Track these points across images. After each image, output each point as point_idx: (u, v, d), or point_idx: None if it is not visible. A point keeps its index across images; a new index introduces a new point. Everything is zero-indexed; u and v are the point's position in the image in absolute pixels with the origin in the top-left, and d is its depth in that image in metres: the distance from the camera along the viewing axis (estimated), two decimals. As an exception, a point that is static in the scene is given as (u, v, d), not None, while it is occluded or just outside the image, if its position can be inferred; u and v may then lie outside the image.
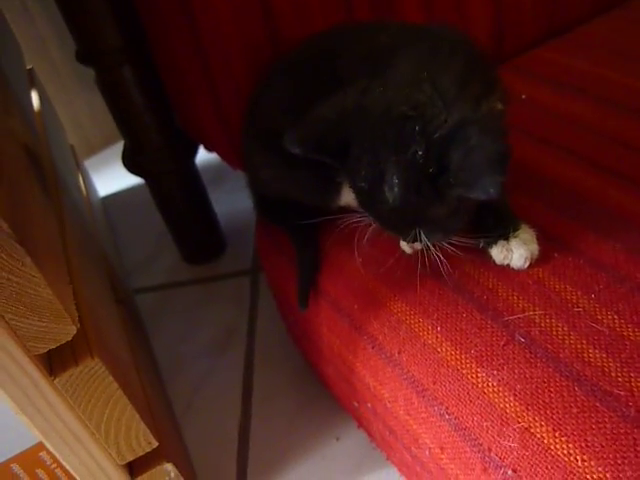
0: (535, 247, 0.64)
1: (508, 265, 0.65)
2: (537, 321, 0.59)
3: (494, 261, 0.65)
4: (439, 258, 0.63)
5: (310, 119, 0.62)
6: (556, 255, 0.65)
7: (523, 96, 0.91)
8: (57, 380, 0.61)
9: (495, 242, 0.65)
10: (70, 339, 0.59)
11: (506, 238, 0.64)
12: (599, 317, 0.58)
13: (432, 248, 0.62)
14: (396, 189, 0.57)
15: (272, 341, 1.06)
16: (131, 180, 1.42)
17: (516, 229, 0.65)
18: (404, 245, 0.69)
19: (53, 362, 0.62)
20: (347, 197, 0.76)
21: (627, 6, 1.12)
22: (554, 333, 0.58)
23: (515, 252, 0.64)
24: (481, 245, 0.66)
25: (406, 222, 0.60)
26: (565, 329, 0.58)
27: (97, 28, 0.94)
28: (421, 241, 0.61)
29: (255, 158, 0.84)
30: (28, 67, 1.23)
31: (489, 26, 1.04)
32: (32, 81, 1.19)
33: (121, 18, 0.94)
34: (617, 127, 0.81)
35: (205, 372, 1.05)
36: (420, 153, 0.55)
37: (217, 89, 0.92)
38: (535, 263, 0.65)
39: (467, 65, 0.61)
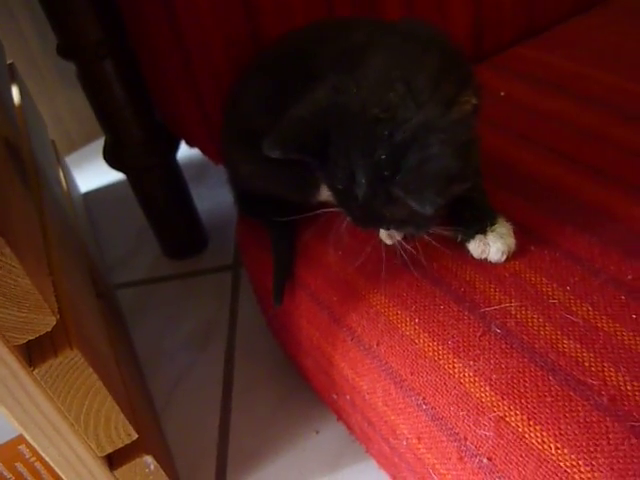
0: (512, 241, 0.65)
1: (486, 259, 0.66)
2: (513, 313, 0.60)
3: (472, 255, 0.66)
4: (417, 249, 0.65)
5: (287, 121, 0.63)
6: (532, 248, 0.66)
7: (502, 93, 0.92)
8: (36, 371, 0.61)
9: (472, 236, 0.66)
10: (49, 330, 0.59)
11: (483, 232, 0.65)
12: (574, 309, 0.59)
13: (407, 239, 0.64)
14: (362, 190, 0.58)
15: (253, 335, 1.07)
16: (112, 176, 1.42)
17: (493, 223, 0.66)
18: (383, 235, 0.70)
19: (32, 353, 0.62)
20: (326, 193, 0.76)
21: (606, 4, 1.14)
22: (529, 324, 0.59)
23: (492, 246, 0.65)
24: (459, 239, 0.67)
25: (375, 219, 0.62)
26: (540, 320, 0.59)
27: (78, 22, 0.93)
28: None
29: (234, 154, 0.84)
30: (8, 62, 1.22)
31: (469, 25, 1.05)
32: (13, 76, 1.18)
33: (102, 11, 0.94)
34: (596, 124, 0.82)
35: (186, 366, 1.05)
36: (383, 157, 0.56)
37: (198, 84, 0.92)
38: (512, 256, 0.66)
39: (442, 62, 0.61)
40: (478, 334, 0.60)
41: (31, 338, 0.58)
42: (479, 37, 1.06)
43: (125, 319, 1.15)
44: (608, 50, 1.00)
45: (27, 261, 0.59)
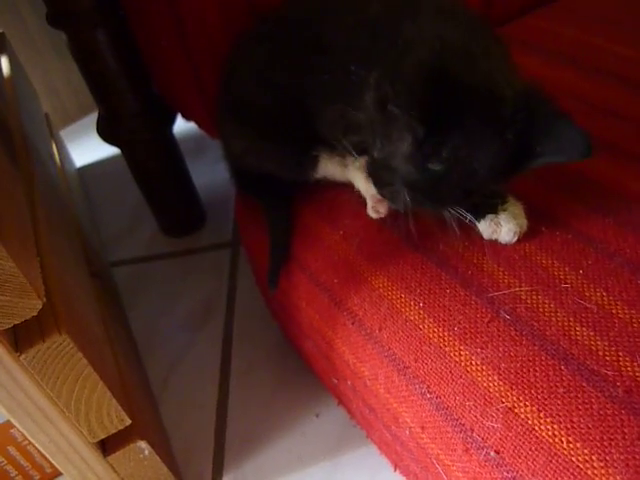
0: (524, 221, 0.62)
1: (496, 240, 0.63)
2: (523, 297, 0.57)
3: (482, 236, 0.63)
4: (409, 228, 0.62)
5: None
6: (544, 229, 0.63)
7: (511, 65, 0.89)
8: (23, 356, 0.59)
9: (483, 216, 0.62)
10: (36, 314, 0.56)
11: (494, 212, 0.62)
12: (587, 294, 0.56)
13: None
14: (479, 170, 0.56)
15: (251, 315, 1.04)
16: (109, 150, 1.38)
17: (504, 202, 0.63)
18: (370, 209, 0.67)
19: (19, 338, 0.60)
20: (324, 170, 0.73)
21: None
22: (540, 310, 0.56)
23: (504, 226, 0.62)
24: (468, 219, 0.63)
25: (457, 201, 0.59)
26: (552, 306, 0.56)
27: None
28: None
29: (228, 129, 0.80)
30: (-1, 32, 1.18)
31: (477, -7, 1.01)
32: (3, 46, 1.14)
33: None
34: (609, 97, 0.79)
35: (183, 346, 1.02)
36: (509, 137, 0.55)
37: (194, 56, 0.88)
38: (522, 238, 0.63)
39: (486, 29, 0.59)
40: (486, 320, 0.57)
41: (16, 322, 0.56)
42: (488, 5, 1.02)
43: (121, 298, 1.13)
44: (620, 20, 0.95)
45: (11, 242, 0.56)
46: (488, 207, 0.62)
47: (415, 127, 0.54)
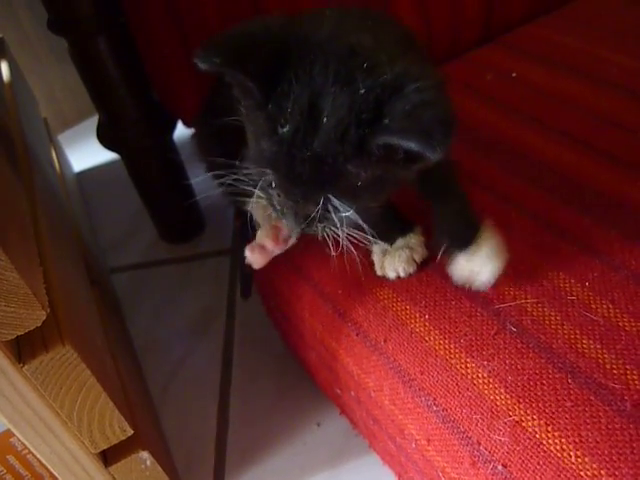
0: (501, 258, 0.58)
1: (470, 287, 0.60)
2: (529, 310, 0.57)
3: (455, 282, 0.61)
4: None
5: (232, 32, 0.52)
6: (548, 240, 0.63)
7: (514, 74, 0.89)
8: (26, 367, 0.58)
9: (457, 256, 0.60)
10: (39, 325, 0.56)
11: (468, 250, 0.59)
12: (593, 306, 0.56)
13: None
14: (325, 124, 0.48)
15: (252, 323, 1.04)
16: (107, 155, 1.37)
17: (479, 238, 0.59)
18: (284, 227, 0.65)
19: (22, 348, 0.59)
20: None
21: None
22: (547, 322, 0.56)
23: (481, 267, 0.58)
24: (440, 255, 0.61)
25: (318, 181, 0.50)
26: (558, 318, 0.56)
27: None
28: (320, 222, 0.54)
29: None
30: (-2, 37, 1.18)
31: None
32: (2, 51, 1.14)
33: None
34: (611, 108, 0.79)
35: (183, 355, 1.02)
36: (362, 92, 0.47)
37: (196, 65, 0.88)
38: (527, 249, 0.63)
39: (406, 37, 0.57)
40: (492, 332, 0.57)
41: (20, 334, 0.56)
42: (489, 13, 1.02)
43: (120, 305, 1.12)
44: (622, 30, 0.96)
45: (15, 252, 0.55)
46: (461, 244, 0.59)
47: (252, 89, 0.50)
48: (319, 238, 0.56)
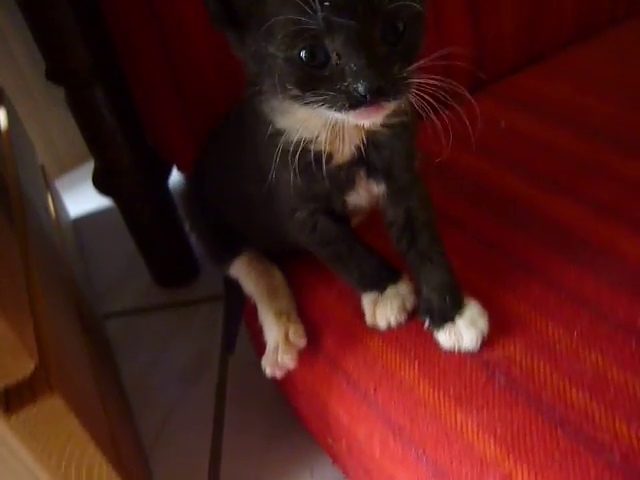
0: (485, 324, 0.60)
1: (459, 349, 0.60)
2: (518, 359, 0.57)
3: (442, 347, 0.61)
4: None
5: None
6: (537, 290, 0.63)
7: (503, 124, 0.90)
8: (14, 417, 0.58)
9: (440, 325, 0.61)
10: (28, 375, 0.56)
11: (452, 320, 0.60)
12: (582, 356, 0.57)
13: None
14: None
15: (245, 368, 1.03)
16: (103, 200, 1.38)
17: (461, 305, 0.61)
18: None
19: (10, 398, 0.59)
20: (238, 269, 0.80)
21: (606, 33, 1.12)
22: (536, 373, 0.56)
23: (465, 335, 0.59)
24: (426, 325, 0.62)
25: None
26: (547, 368, 0.56)
27: (66, 46, 0.91)
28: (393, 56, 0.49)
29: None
30: (-3, 85, 1.20)
31: (469, 50, 1.02)
32: (0, 99, 1.15)
33: (91, 35, 0.91)
34: (599, 157, 0.80)
35: (175, 401, 1.01)
36: None
37: (190, 112, 0.90)
38: (516, 298, 0.63)
39: None
40: (481, 382, 0.57)
41: (8, 383, 0.55)
42: (479, 63, 1.04)
43: (113, 351, 1.12)
44: (608, 80, 0.98)
45: (5, 301, 0.56)
46: (445, 314, 0.61)
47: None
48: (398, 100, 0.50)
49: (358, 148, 0.59)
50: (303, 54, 0.48)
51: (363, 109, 0.49)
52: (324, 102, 0.49)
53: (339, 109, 0.49)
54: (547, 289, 0.63)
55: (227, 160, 0.75)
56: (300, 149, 0.56)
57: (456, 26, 0.99)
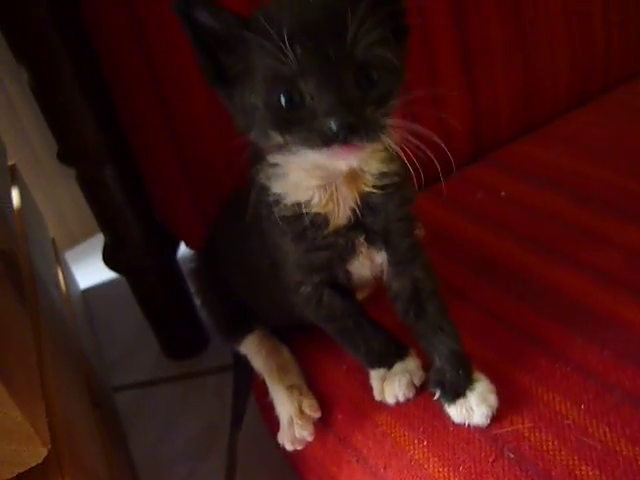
0: (494, 399, 0.60)
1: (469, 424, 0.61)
2: (526, 435, 0.58)
3: (452, 420, 0.62)
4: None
5: None
6: (543, 362, 0.64)
7: (503, 193, 0.92)
8: (26, 505, 0.58)
9: (452, 400, 0.61)
10: (41, 462, 0.56)
11: (464, 394, 0.61)
12: (590, 430, 0.57)
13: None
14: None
15: (255, 440, 1.02)
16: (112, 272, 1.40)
17: (472, 380, 0.62)
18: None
19: (21, 484, 0.59)
20: (248, 346, 0.82)
21: (601, 100, 1.15)
22: (544, 448, 0.56)
23: (476, 410, 0.60)
24: (436, 397, 0.63)
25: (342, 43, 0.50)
26: (555, 444, 0.56)
27: (77, 130, 0.94)
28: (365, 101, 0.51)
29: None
30: (10, 163, 1.23)
31: (466, 120, 1.05)
32: (13, 177, 1.18)
33: (101, 117, 0.94)
34: (597, 224, 0.82)
35: (186, 476, 1.00)
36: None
37: (198, 191, 0.92)
38: (522, 371, 0.63)
39: None
40: (490, 459, 0.57)
41: (21, 471, 0.56)
42: (477, 133, 1.07)
43: (122, 425, 1.12)
44: (605, 146, 1.00)
45: (19, 388, 0.56)
46: (456, 388, 0.61)
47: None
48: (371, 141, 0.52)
49: (353, 211, 0.60)
50: (281, 97, 0.51)
51: (337, 148, 0.51)
52: (300, 141, 0.52)
53: (314, 147, 0.51)
54: (553, 361, 0.64)
55: (235, 235, 0.77)
56: (296, 213, 0.59)
57: (453, 100, 1.02)
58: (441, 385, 0.62)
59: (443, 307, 0.66)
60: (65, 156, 0.98)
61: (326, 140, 0.50)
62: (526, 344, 0.66)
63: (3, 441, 0.54)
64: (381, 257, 0.65)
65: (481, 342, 0.69)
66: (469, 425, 0.60)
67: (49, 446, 0.57)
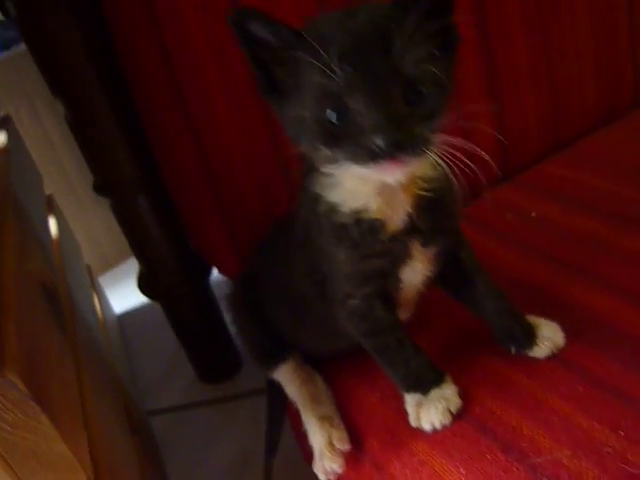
0: (561, 336, 0.68)
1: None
2: (565, 463, 0.57)
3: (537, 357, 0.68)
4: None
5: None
6: (580, 389, 0.63)
7: (533, 214, 0.92)
8: (70, 533, 0.59)
9: (530, 345, 0.67)
10: (83, 491, 0.58)
11: (535, 335, 0.67)
12: (630, 457, 0.56)
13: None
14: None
15: (291, 464, 1.03)
16: (146, 296, 1.42)
17: (536, 326, 0.68)
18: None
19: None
20: (283, 374, 0.82)
21: (629, 117, 1.15)
22: (584, 477, 0.55)
23: (554, 338, 0.68)
24: (513, 351, 0.68)
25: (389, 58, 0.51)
26: (596, 472, 0.56)
27: (113, 162, 0.97)
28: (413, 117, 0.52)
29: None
30: (47, 193, 1.26)
31: (493, 142, 1.05)
32: (50, 207, 1.21)
33: (136, 151, 0.97)
34: (631, 245, 0.81)
35: (222, 500, 1.01)
36: None
37: (231, 220, 0.94)
38: (559, 397, 0.63)
39: None
40: (529, 488, 0.56)
41: (64, 499, 0.57)
42: (504, 154, 1.07)
43: (159, 449, 1.13)
44: (635, 164, 0.99)
45: (62, 421, 0.58)
46: (526, 334, 0.67)
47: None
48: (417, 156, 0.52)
49: (409, 215, 0.62)
50: (328, 113, 0.52)
51: (383, 163, 0.51)
52: (347, 156, 0.53)
53: (361, 163, 0.52)
54: (590, 387, 0.63)
55: (278, 262, 0.78)
56: (353, 220, 0.60)
57: (479, 119, 1.02)
58: (513, 339, 0.68)
59: (488, 277, 0.70)
60: (101, 187, 1.01)
61: (373, 156, 0.51)
62: (561, 369, 0.66)
63: (48, 472, 0.56)
64: (433, 252, 0.66)
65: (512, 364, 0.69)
66: (557, 350, 0.67)
67: (91, 475, 0.58)
